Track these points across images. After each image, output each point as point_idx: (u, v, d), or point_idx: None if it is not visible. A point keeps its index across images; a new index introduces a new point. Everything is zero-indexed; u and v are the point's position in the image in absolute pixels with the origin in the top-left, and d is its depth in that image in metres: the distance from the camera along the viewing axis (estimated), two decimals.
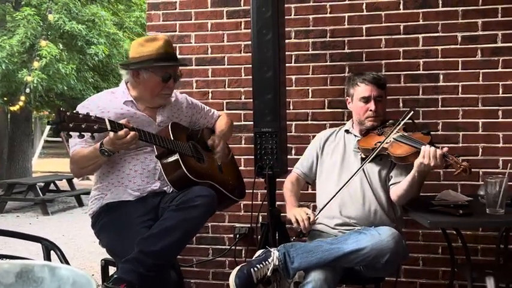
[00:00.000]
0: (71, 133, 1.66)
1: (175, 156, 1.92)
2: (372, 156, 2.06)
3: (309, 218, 2.02)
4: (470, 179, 2.69)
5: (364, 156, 2.12)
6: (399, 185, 2.05)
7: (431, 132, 2.16)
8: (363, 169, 2.12)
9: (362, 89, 2.16)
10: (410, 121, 2.14)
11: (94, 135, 1.73)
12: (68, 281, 0.63)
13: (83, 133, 1.66)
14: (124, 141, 1.75)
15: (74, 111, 1.68)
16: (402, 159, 2.01)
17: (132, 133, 1.76)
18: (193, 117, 2.24)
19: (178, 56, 2.98)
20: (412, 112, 2.12)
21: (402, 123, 2.11)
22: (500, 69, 2.69)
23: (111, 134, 1.74)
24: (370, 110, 2.15)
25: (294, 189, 2.30)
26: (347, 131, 2.28)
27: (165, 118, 2.06)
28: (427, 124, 2.73)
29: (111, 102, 1.98)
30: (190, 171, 1.92)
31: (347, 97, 2.27)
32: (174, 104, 2.13)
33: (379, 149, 2.04)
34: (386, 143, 2.05)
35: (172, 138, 1.96)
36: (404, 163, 2.03)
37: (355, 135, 2.24)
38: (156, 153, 1.95)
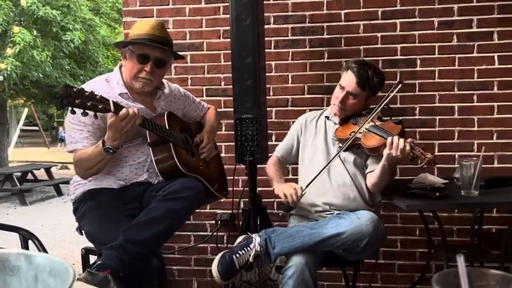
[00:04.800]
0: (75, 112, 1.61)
1: (169, 146, 1.90)
2: (345, 147, 2.08)
3: (297, 192, 2.03)
4: (446, 162, 2.76)
5: (341, 146, 2.15)
6: (372, 174, 2.08)
7: (415, 117, 2.18)
8: (342, 158, 2.15)
9: (345, 77, 2.15)
10: (386, 107, 2.15)
11: (97, 115, 1.66)
12: (44, 269, 0.63)
13: (87, 111, 1.62)
14: (129, 118, 1.70)
15: (80, 88, 1.64)
16: (373, 150, 2.03)
17: (132, 109, 1.72)
18: (185, 109, 2.22)
19: None
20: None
21: (376, 111, 2.11)
22: (475, 54, 2.74)
23: (113, 119, 1.70)
24: (336, 98, 2.16)
25: (276, 168, 2.32)
26: (327, 117, 2.29)
27: (164, 111, 2.02)
28: (404, 109, 2.78)
29: (108, 95, 1.86)
30: (182, 163, 1.91)
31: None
32: (169, 94, 2.10)
33: (351, 139, 2.06)
34: (360, 133, 2.07)
35: (167, 128, 1.94)
36: (376, 153, 2.05)
37: (335, 123, 2.25)
38: (149, 140, 1.93)
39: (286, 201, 2.06)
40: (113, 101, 1.70)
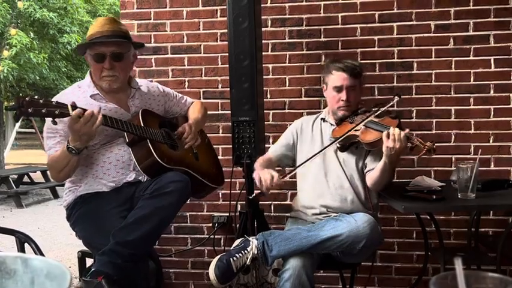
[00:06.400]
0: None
1: (146, 143, 1.90)
2: (340, 140, 2.09)
3: (272, 177, 1.99)
4: (443, 164, 2.76)
5: (339, 146, 2.15)
6: (373, 172, 2.08)
7: (412, 120, 2.19)
8: (340, 159, 2.15)
9: (335, 78, 2.16)
10: (384, 108, 2.16)
11: (56, 121, 1.66)
12: (41, 272, 0.62)
13: (45, 118, 1.64)
14: (84, 118, 1.67)
15: (34, 97, 1.64)
16: (372, 144, 2.04)
17: (88, 110, 1.70)
18: (166, 105, 2.22)
19: (153, 44, 2.95)
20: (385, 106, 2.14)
21: (372, 114, 2.13)
22: (471, 57, 2.75)
23: (69, 121, 1.69)
24: (342, 100, 2.15)
25: (264, 164, 2.27)
26: (323, 119, 2.29)
27: (138, 109, 2.02)
28: (401, 111, 2.78)
29: (80, 99, 1.89)
30: (162, 157, 1.90)
31: (323, 84, 2.28)
32: (146, 93, 2.11)
33: (347, 134, 2.07)
34: (357, 130, 2.07)
35: (142, 125, 1.94)
36: (375, 148, 2.06)
37: (331, 124, 2.25)
38: (127, 140, 1.93)
39: (261, 186, 2.03)
40: (71, 105, 1.69)
